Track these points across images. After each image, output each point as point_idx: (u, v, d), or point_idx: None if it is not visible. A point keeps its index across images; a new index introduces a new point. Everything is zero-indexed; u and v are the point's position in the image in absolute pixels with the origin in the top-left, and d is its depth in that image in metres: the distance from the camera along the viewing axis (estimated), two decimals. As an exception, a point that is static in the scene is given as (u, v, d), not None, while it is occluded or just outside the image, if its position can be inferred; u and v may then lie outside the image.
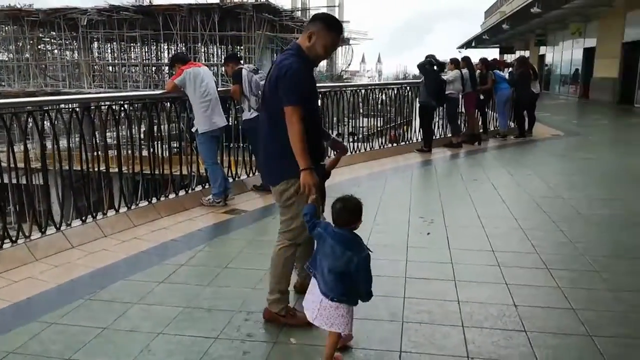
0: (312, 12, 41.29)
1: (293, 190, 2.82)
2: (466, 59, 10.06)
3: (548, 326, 2.88)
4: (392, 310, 3.05)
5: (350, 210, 2.45)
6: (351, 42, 51.71)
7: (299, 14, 35.49)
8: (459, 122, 10.09)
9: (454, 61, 9.82)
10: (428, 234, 4.52)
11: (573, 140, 10.82)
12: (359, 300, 2.45)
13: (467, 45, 41.76)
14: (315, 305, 2.46)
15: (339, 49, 51.94)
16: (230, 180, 5.93)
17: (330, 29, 2.84)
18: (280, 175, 2.87)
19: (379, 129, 9.58)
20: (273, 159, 2.92)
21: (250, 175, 6.40)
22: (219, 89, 5.68)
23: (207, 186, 5.69)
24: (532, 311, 3.06)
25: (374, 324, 2.89)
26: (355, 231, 2.48)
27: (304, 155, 2.71)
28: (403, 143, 9.56)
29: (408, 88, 9.87)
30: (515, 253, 4.06)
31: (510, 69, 11.84)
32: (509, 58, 33.69)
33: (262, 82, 5.61)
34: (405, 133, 9.92)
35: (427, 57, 8.95)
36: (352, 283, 2.38)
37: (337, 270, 2.37)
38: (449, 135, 9.95)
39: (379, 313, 3.01)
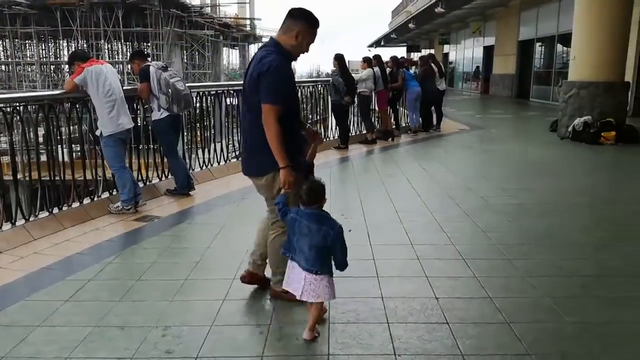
0: (223, 9, 40.60)
1: (272, 180, 2.98)
2: (377, 58, 10.27)
3: (468, 316, 2.95)
4: (318, 312, 2.99)
5: (316, 189, 2.73)
6: (264, 39, 51.46)
7: (208, 10, 34.67)
8: (372, 120, 10.31)
9: (367, 60, 9.99)
10: (349, 230, 4.50)
11: (478, 134, 11.42)
12: (335, 270, 2.73)
13: (377, 44, 43.04)
14: (300, 283, 2.68)
15: (252, 46, 51.63)
16: (141, 185, 5.59)
17: (314, 27, 2.96)
18: (264, 168, 2.98)
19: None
20: (256, 153, 3.00)
21: (163, 178, 6.09)
22: (125, 88, 5.34)
23: (115, 192, 5.32)
24: (453, 302, 3.13)
25: (301, 328, 2.81)
26: None
27: (282, 153, 2.84)
28: (320, 140, 9.58)
29: (321, 86, 9.93)
30: (432, 245, 4.16)
31: (414, 67, 12.35)
32: (415, 56, 35.09)
33: (173, 80, 5.40)
34: (321, 130, 9.97)
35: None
36: (329, 254, 2.67)
37: (318, 246, 2.63)
38: (364, 132, 10.13)
39: (305, 317, 2.94)
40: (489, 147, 9.46)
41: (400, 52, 43.04)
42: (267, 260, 3.24)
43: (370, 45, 44.05)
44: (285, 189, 2.89)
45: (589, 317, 2.92)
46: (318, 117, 10.06)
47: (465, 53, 30.70)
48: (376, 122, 10.62)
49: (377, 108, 10.47)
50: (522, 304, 3.11)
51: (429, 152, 9.16)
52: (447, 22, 28.11)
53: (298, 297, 2.70)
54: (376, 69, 9.89)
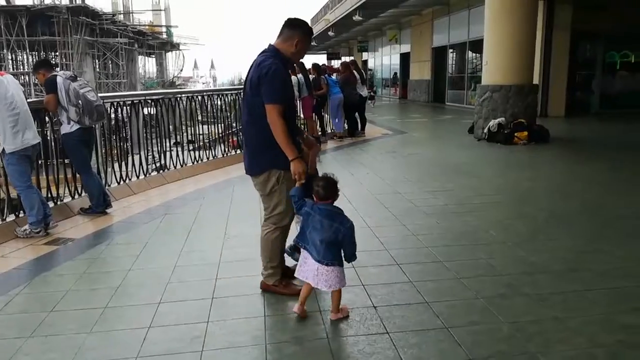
0: (136, 16, 39.15)
1: (274, 180, 3.17)
2: (301, 65, 10.23)
3: (408, 324, 2.91)
4: (255, 333, 2.83)
5: (332, 183, 2.91)
6: (181, 47, 50.32)
7: (121, 17, 33.27)
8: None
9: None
10: (281, 242, 4.38)
11: (401, 138, 11.70)
12: (345, 262, 2.91)
13: (297, 51, 43.20)
14: (313, 273, 2.85)
15: (169, 54, 50.28)
16: (51, 204, 5.13)
17: (309, 35, 3.25)
18: (261, 166, 3.18)
19: (220, 135, 9.28)
20: (255, 153, 3.22)
21: (76, 196, 5.64)
22: (30, 100, 4.89)
23: (22, 214, 4.85)
24: (391, 310, 3.08)
25: (235, 352, 2.64)
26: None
27: (290, 147, 3.04)
28: (245, 149, 9.41)
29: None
30: (367, 252, 4.09)
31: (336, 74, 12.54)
32: (336, 63, 35.63)
33: (83, 91, 5.01)
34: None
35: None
36: (338, 249, 2.85)
37: (328, 240, 2.80)
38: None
39: (240, 339, 2.77)
40: (412, 150, 9.68)
41: (321, 59, 43.59)
42: (260, 255, 3.37)
43: (291, 53, 44.24)
44: (298, 180, 3.03)
45: (520, 317, 2.96)
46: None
47: (383, 60, 31.59)
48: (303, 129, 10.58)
49: (302, 115, 10.42)
50: (457, 306, 3.12)
51: (356, 157, 9.22)
52: (364, 30, 28.80)
53: (314, 286, 2.89)
54: (300, 76, 9.86)
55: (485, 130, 10.22)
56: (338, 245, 2.83)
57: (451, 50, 21.39)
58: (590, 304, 3.12)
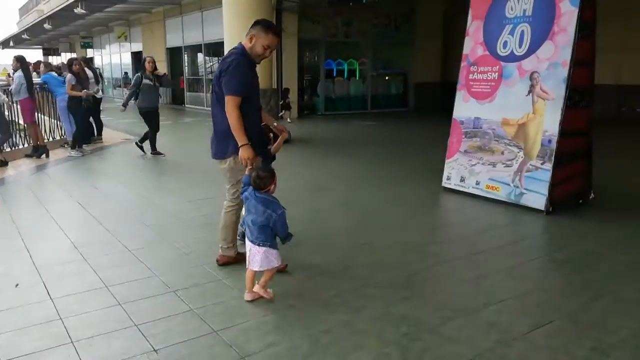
0: None
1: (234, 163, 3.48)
2: (20, 59, 8.50)
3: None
4: None
5: (262, 177, 3.09)
6: None
7: None
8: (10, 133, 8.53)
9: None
10: (17, 285, 3.42)
11: (145, 143, 10.84)
12: (281, 243, 3.16)
13: (5, 44, 36.93)
14: (247, 253, 3.14)
15: None
16: None
17: (268, 31, 3.42)
18: (227, 152, 3.49)
19: None
20: (220, 139, 3.52)
21: None
22: None
23: None
24: (175, 351, 2.64)
25: None
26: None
27: (241, 134, 3.34)
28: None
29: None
30: (133, 282, 3.51)
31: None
32: (55, 60, 31.68)
33: None
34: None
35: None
36: (271, 232, 3.07)
37: (260, 224, 3.05)
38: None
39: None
40: (161, 157, 9.01)
41: (36, 54, 38.29)
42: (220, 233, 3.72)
43: (-4, 46, 37.53)
44: (246, 166, 3.35)
45: (313, 327, 2.87)
46: None
47: (112, 58, 29.25)
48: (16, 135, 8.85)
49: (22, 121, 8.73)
50: (251, 329, 2.84)
51: (97, 167, 8.13)
52: (89, 24, 26.17)
53: (247, 266, 3.14)
54: (19, 73, 8.21)
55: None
56: (270, 228, 3.05)
57: (186, 52, 21.02)
58: (370, 300, 3.21)
